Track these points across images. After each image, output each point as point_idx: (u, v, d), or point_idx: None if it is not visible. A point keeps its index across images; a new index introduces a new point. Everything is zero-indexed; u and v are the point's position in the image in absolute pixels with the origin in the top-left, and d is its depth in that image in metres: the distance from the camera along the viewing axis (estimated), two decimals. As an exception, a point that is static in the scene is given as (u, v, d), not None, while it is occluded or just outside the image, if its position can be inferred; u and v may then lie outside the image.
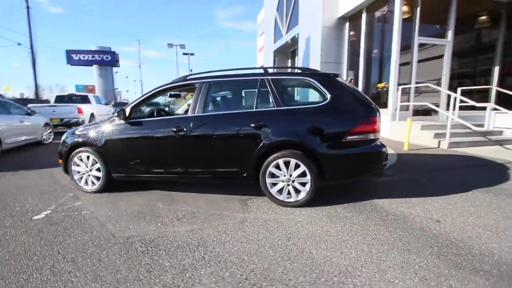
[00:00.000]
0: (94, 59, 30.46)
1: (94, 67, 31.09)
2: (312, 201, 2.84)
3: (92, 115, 11.68)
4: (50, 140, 8.17)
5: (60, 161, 3.59)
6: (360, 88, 8.58)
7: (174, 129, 3.01)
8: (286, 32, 12.10)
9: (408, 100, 7.38)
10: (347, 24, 9.09)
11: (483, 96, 7.94)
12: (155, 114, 3.57)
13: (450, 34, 7.21)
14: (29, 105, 9.80)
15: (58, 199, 3.27)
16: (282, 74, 3.16)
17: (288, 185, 2.84)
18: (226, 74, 3.17)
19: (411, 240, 2.15)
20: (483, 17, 7.81)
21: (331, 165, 2.77)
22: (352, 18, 8.88)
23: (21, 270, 1.85)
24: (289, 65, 13.71)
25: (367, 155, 2.79)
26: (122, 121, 3.24)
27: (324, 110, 2.79)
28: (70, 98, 12.35)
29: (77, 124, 10.70)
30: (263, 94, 3.00)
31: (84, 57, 30.10)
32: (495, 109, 6.65)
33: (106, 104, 14.75)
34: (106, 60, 31.00)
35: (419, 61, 7.25)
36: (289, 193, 2.86)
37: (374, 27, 8.33)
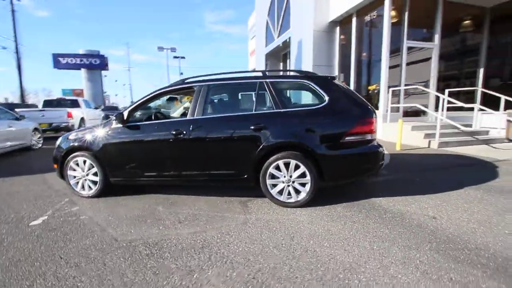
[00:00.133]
0: (82, 62, 29.85)
1: (83, 71, 30.46)
2: (311, 202, 2.89)
3: (82, 119, 11.44)
4: (40, 146, 7.99)
5: (55, 166, 3.52)
6: (351, 90, 8.75)
7: (174, 132, 3.01)
8: (278, 36, 12.24)
9: (398, 102, 7.59)
10: (337, 28, 9.29)
11: (469, 97, 8.24)
12: (153, 118, 3.55)
13: (437, 37, 7.47)
14: (16, 110, 9.55)
15: (54, 204, 3.21)
16: (280, 77, 3.22)
17: (288, 186, 2.88)
18: (225, 77, 3.20)
19: (410, 237, 2.22)
20: (468, 22, 8.14)
21: (330, 166, 2.83)
22: (343, 22, 9.08)
23: (23, 277, 1.82)
24: (281, 68, 13.86)
25: (364, 155, 2.86)
26: (120, 125, 3.21)
27: (323, 112, 2.86)
28: (59, 102, 12.09)
29: (67, 129, 10.48)
30: (262, 96, 3.04)
31: (72, 60, 29.46)
32: (481, 109, 6.91)
33: (96, 108, 14.47)
34: (95, 64, 30.44)
35: (407, 64, 7.49)
36: (289, 193, 2.90)
37: (364, 31, 8.54)
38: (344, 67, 9.17)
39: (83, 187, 3.40)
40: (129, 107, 3.28)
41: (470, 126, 6.85)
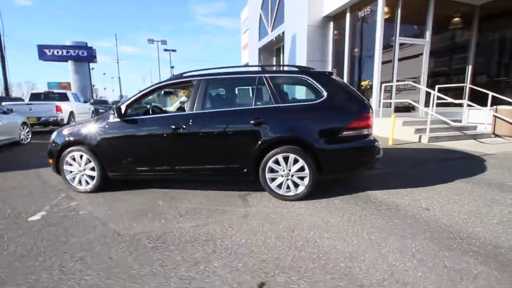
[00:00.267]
0: (69, 54, 28.94)
1: (70, 63, 29.56)
2: (309, 195, 2.96)
3: (71, 113, 11.17)
4: (28, 140, 7.79)
5: (50, 160, 3.47)
6: (344, 85, 8.85)
7: (173, 126, 3.01)
8: (272, 30, 12.20)
9: (390, 98, 7.74)
10: (331, 23, 9.34)
11: (457, 93, 8.48)
12: (150, 112, 3.53)
13: (428, 34, 7.62)
14: (3, 104, 9.24)
15: (50, 200, 3.17)
16: (279, 72, 3.25)
17: (287, 179, 2.94)
18: (224, 72, 3.20)
19: (406, 227, 2.32)
20: (458, 19, 8.32)
21: (328, 160, 2.90)
22: (336, 17, 9.13)
23: (28, 271, 1.82)
24: (274, 62, 13.84)
25: (361, 149, 2.94)
26: (118, 119, 3.18)
27: (321, 107, 2.91)
28: (47, 95, 11.76)
29: (56, 123, 10.23)
30: (261, 91, 3.07)
31: (58, 52, 28.51)
32: (469, 105, 7.13)
33: (85, 102, 14.15)
34: (82, 56, 29.57)
35: (399, 60, 7.62)
36: (288, 187, 2.96)
37: (357, 27, 8.62)
38: (338, 63, 9.25)
39: (79, 182, 3.37)
40: (127, 101, 3.25)
41: (459, 121, 7.07)
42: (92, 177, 3.31)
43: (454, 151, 5.25)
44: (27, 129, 7.84)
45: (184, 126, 2.99)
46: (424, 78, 7.81)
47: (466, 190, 3.17)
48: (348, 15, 8.54)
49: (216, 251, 2.02)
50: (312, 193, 2.97)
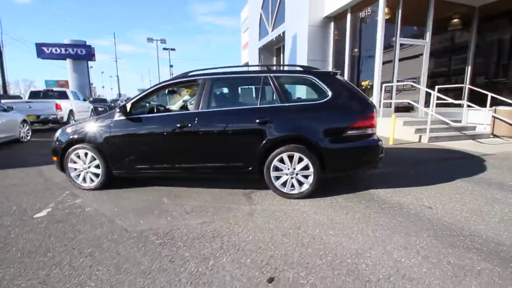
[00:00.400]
0: (67, 52, 28.86)
1: (68, 61, 29.47)
2: (313, 193, 2.99)
3: (71, 111, 11.13)
4: (28, 138, 7.77)
5: (55, 158, 3.47)
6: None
7: (179, 125, 3.03)
8: (272, 30, 12.22)
9: (390, 98, 7.79)
10: (332, 24, 9.37)
11: (456, 94, 8.55)
12: (155, 110, 3.55)
13: (428, 35, 7.68)
14: (2, 101, 9.20)
15: (55, 197, 3.18)
16: (284, 71, 3.27)
17: (292, 178, 2.97)
18: (229, 71, 3.23)
19: (409, 225, 2.36)
20: (457, 20, 8.37)
21: (332, 159, 2.93)
22: (337, 18, 9.16)
23: (38, 267, 1.84)
24: (274, 62, 13.87)
25: (365, 148, 2.98)
26: (123, 117, 3.20)
27: (326, 107, 2.94)
28: (46, 93, 11.70)
29: (55, 121, 10.20)
30: (266, 90, 3.10)
31: (56, 50, 28.42)
32: (469, 106, 7.20)
33: (85, 100, 14.10)
34: (81, 54, 29.49)
35: (399, 60, 7.67)
36: (292, 185, 2.99)
37: (358, 27, 8.66)
38: (338, 63, 9.29)
39: (84, 179, 3.38)
40: (132, 99, 3.26)
41: (459, 122, 7.14)
42: (96, 175, 3.33)
43: (454, 151, 5.31)
44: (27, 127, 7.83)
45: (190, 125, 3.01)
46: (424, 78, 7.87)
47: (467, 189, 3.22)
48: (349, 16, 8.58)
49: (223, 248, 2.04)
50: (316, 192, 3.01)
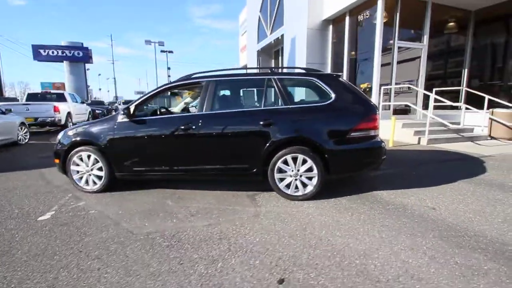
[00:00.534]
0: (64, 55, 28.72)
1: (65, 64, 29.32)
2: (317, 195, 3.00)
3: (68, 114, 11.08)
4: (26, 141, 7.71)
5: (56, 161, 3.46)
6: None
7: (183, 127, 3.03)
8: (271, 33, 12.29)
9: (389, 100, 7.86)
10: (330, 27, 9.46)
11: (453, 96, 8.65)
12: (158, 113, 3.55)
13: (425, 38, 7.78)
14: (0, 104, 9.12)
15: (58, 200, 3.16)
16: (288, 74, 3.30)
17: (296, 179, 2.98)
18: (233, 73, 3.24)
19: (414, 226, 2.38)
20: (454, 24, 8.50)
21: (336, 160, 2.95)
22: (336, 21, 9.25)
23: (45, 270, 1.82)
24: (273, 65, 13.93)
25: (368, 150, 3.00)
26: (126, 119, 3.20)
27: (329, 109, 2.97)
28: (44, 96, 11.64)
29: (53, 123, 10.14)
30: (270, 93, 3.12)
31: (53, 52, 28.27)
32: (467, 108, 7.29)
33: (82, 102, 14.02)
34: (78, 56, 29.37)
35: (397, 63, 7.75)
36: (296, 187, 3.00)
37: (356, 30, 8.75)
38: (337, 65, 9.36)
39: (87, 182, 3.36)
40: (136, 101, 3.26)
41: (457, 124, 7.21)
42: (99, 177, 3.31)
43: (454, 153, 5.37)
44: (25, 129, 7.77)
45: (194, 127, 3.02)
46: (422, 81, 7.95)
47: (469, 190, 3.25)
48: (347, 19, 8.67)
49: (231, 249, 2.04)
50: (319, 193, 3.02)
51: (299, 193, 2.99)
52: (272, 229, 2.37)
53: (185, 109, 4.72)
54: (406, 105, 8.21)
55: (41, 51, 27.98)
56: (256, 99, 3.37)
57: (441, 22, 8.39)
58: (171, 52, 31.48)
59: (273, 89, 3.10)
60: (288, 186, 3.01)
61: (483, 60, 8.93)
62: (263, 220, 2.55)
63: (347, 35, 8.79)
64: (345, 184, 3.48)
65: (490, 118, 6.81)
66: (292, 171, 2.97)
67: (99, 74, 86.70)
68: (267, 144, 2.94)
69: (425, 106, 7.70)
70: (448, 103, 6.69)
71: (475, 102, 7.50)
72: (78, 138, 3.33)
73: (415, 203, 2.88)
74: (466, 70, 8.65)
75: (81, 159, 3.31)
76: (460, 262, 1.84)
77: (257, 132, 2.99)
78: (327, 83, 3.03)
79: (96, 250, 2.05)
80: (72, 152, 3.31)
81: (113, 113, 18.66)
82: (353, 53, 8.95)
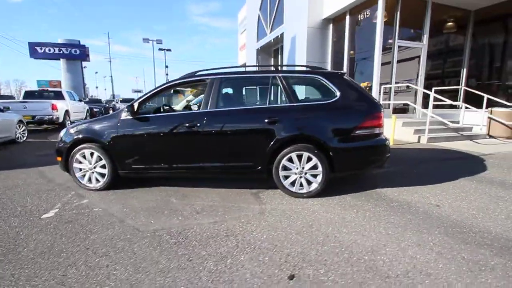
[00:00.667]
0: (61, 52, 28.45)
1: (62, 61, 29.06)
2: (321, 192, 3.01)
3: (66, 112, 10.99)
4: (24, 139, 7.64)
5: (59, 158, 3.43)
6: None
7: (187, 124, 3.02)
8: (270, 31, 12.27)
9: (389, 99, 7.90)
10: (331, 26, 9.46)
11: (452, 95, 8.71)
12: (161, 110, 3.53)
13: (425, 37, 7.82)
14: (-3, 101, 9.03)
15: (60, 197, 3.14)
16: (293, 71, 3.30)
17: (301, 177, 2.99)
18: (238, 71, 3.24)
19: (420, 222, 2.40)
20: (454, 24, 8.54)
21: (341, 158, 2.95)
22: (336, 20, 9.26)
23: (53, 267, 1.81)
24: (272, 63, 13.92)
25: (373, 148, 3.01)
26: (130, 117, 3.18)
27: (334, 106, 2.97)
28: (42, 94, 11.53)
29: (51, 121, 10.05)
30: (275, 90, 3.12)
31: (50, 50, 28.00)
32: (466, 107, 7.35)
33: (80, 100, 13.91)
34: (75, 54, 29.12)
35: (397, 62, 7.79)
36: (301, 185, 3.00)
37: (357, 29, 8.77)
38: (337, 64, 9.38)
39: (89, 180, 3.34)
40: (139, 98, 3.24)
41: (456, 122, 7.27)
42: (102, 175, 3.29)
43: (454, 151, 5.41)
44: (23, 127, 7.70)
45: (198, 124, 3.01)
46: (421, 80, 8.00)
47: (471, 187, 3.28)
48: (347, 18, 8.68)
49: (239, 246, 2.04)
50: (323, 191, 3.02)
51: (304, 191, 3.00)
52: (278, 226, 2.37)
53: (187, 107, 4.71)
54: (404, 104, 8.26)
55: (38, 48, 27.71)
56: (260, 96, 3.36)
57: (440, 22, 8.44)
58: (169, 50, 31.31)
59: (278, 87, 3.09)
60: (292, 183, 3.01)
61: (482, 59, 9.00)
62: (268, 217, 2.55)
63: (347, 34, 8.81)
64: (348, 182, 3.49)
65: (489, 117, 6.87)
66: (297, 168, 2.98)
67: (96, 72, 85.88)
68: (272, 142, 2.94)
69: (424, 105, 7.76)
70: (449, 102, 6.74)
71: (473, 101, 7.56)
72: (80, 136, 3.30)
73: (419, 200, 2.90)
74: (465, 69, 8.71)
75: (84, 157, 3.29)
76: (467, 258, 1.86)
77: (262, 130, 2.98)
78: (332, 81, 3.04)
79: (103, 248, 2.04)
80: (75, 150, 3.29)
81: (111, 111, 18.60)
82: (351, 52, 8.98)
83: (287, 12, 10.51)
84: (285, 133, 2.93)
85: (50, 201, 3.03)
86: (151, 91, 3.29)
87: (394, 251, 1.96)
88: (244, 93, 3.62)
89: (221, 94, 3.16)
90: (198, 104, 4.84)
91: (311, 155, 2.92)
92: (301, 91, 3.38)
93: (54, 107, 10.03)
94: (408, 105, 8.21)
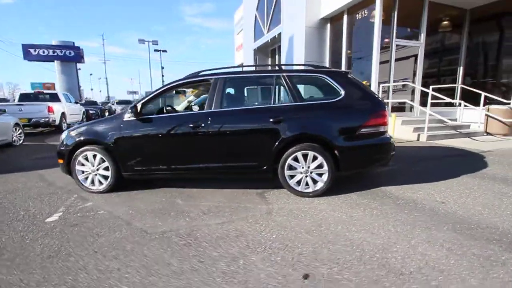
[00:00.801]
0: (55, 54, 28.09)
1: (56, 63, 28.69)
2: (326, 191, 3.01)
3: (63, 114, 10.87)
4: (21, 142, 7.53)
5: (60, 161, 3.38)
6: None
7: (192, 125, 3.01)
8: (268, 31, 12.27)
9: (387, 98, 7.95)
10: (328, 25, 9.50)
11: (449, 94, 8.79)
12: (164, 111, 3.51)
13: (422, 36, 7.89)
14: (-8, 104, 8.89)
15: (63, 201, 3.09)
16: (297, 71, 3.30)
17: (306, 176, 2.99)
18: (241, 71, 3.23)
19: (427, 219, 2.41)
20: (450, 22, 8.63)
21: (346, 157, 2.96)
22: (334, 19, 9.30)
23: (62, 271, 1.78)
24: (270, 63, 13.93)
25: (378, 146, 3.03)
26: (133, 118, 3.15)
27: (339, 105, 2.98)
28: (37, 96, 11.39)
29: (47, 124, 9.93)
30: (279, 90, 3.11)
31: (44, 52, 27.62)
32: (464, 105, 7.43)
33: (76, 102, 13.77)
34: (69, 56, 28.77)
35: (395, 60, 7.84)
36: (307, 184, 3.00)
37: (354, 28, 8.81)
38: (335, 64, 9.41)
39: (92, 182, 3.30)
40: (143, 99, 3.22)
41: (454, 120, 7.34)
42: (105, 177, 3.25)
43: (453, 149, 5.46)
44: (19, 130, 7.59)
45: (203, 125, 2.99)
46: (419, 78, 8.06)
47: (474, 184, 3.31)
48: (345, 17, 8.72)
49: (250, 246, 2.03)
50: (328, 190, 3.02)
51: (310, 190, 3.00)
52: (287, 225, 2.37)
53: (188, 108, 4.68)
54: (400, 103, 8.33)
55: (32, 50, 27.34)
56: (265, 96, 3.36)
57: (437, 21, 8.52)
58: (164, 51, 31.14)
59: (282, 86, 3.09)
60: (298, 183, 3.01)
61: (478, 57, 9.10)
62: (276, 217, 2.55)
63: (345, 34, 8.85)
64: (352, 181, 3.50)
65: (486, 115, 6.95)
66: (303, 168, 2.97)
67: (91, 74, 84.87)
68: (278, 141, 2.94)
69: (422, 104, 7.82)
70: (448, 100, 6.81)
71: (469, 99, 7.65)
72: (82, 138, 3.26)
73: (424, 198, 2.92)
74: (461, 67, 8.80)
75: (87, 159, 3.25)
76: (477, 254, 1.87)
77: (267, 130, 2.98)
78: (337, 80, 3.04)
79: (112, 251, 2.01)
80: (77, 152, 3.24)
81: (107, 113, 18.36)
82: (349, 51, 9.02)
83: (284, 12, 10.53)
84: (290, 133, 2.93)
85: (53, 205, 2.98)
86: (154, 91, 3.26)
87: (405, 248, 1.96)
88: (248, 92, 3.61)
89: (226, 94, 3.15)
90: (199, 105, 4.81)
91: (316, 154, 2.92)
92: (305, 90, 3.38)
93: (50, 110, 9.91)
94: (405, 103, 8.27)
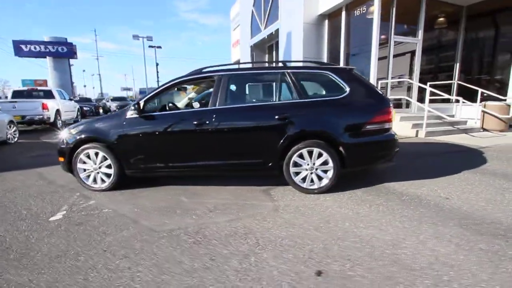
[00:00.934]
0: (47, 50, 27.47)
1: (48, 60, 28.09)
2: (331, 188, 3.02)
3: (57, 111, 10.70)
4: (15, 140, 7.40)
5: (61, 159, 3.33)
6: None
7: (196, 122, 2.98)
8: (265, 27, 12.20)
9: (386, 94, 7.98)
10: (326, 21, 9.47)
11: (445, 90, 8.87)
12: (167, 108, 3.47)
13: (420, 33, 7.92)
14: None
15: (66, 199, 3.05)
16: (302, 67, 3.28)
17: (312, 173, 2.99)
18: (246, 67, 3.20)
19: (433, 215, 2.44)
20: (447, 19, 8.68)
21: (351, 153, 2.97)
22: (332, 15, 9.27)
23: (72, 271, 1.76)
24: (267, 59, 13.87)
25: (383, 143, 3.04)
26: (136, 115, 3.11)
27: (344, 102, 2.98)
28: (31, 93, 11.17)
29: (42, 121, 9.76)
30: (284, 86, 3.09)
31: (35, 48, 27.00)
32: (462, 102, 7.51)
33: (71, 99, 13.55)
34: (62, 52, 28.17)
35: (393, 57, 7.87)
36: (312, 180, 3.01)
37: (353, 25, 8.80)
38: (333, 60, 9.41)
39: (94, 180, 3.26)
40: (145, 96, 3.17)
41: (452, 117, 7.42)
42: (108, 175, 3.21)
43: (452, 145, 5.53)
44: (14, 128, 7.46)
45: (207, 122, 2.97)
46: (416, 75, 8.11)
47: (475, 180, 3.36)
48: (343, 14, 8.70)
49: (260, 244, 2.03)
50: (334, 186, 3.04)
51: (315, 186, 3.00)
52: (295, 222, 2.37)
53: (189, 105, 4.64)
54: (396, 99, 8.37)
55: (23, 46, 26.71)
56: (270, 93, 3.34)
57: (434, 17, 8.56)
58: (159, 47, 30.75)
59: (287, 82, 3.07)
60: (303, 179, 3.01)
61: (475, 54, 9.18)
62: (283, 214, 2.55)
63: (343, 30, 8.84)
64: (356, 177, 3.51)
65: (482, 111, 7.04)
66: (308, 164, 2.98)
67: (84, 70, 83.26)
68: (283, 138, 2.93)
69: (419, 100, 7.88)
70: (446, 96, 6.88)
71: (466, 95, 7.73)
72: (84, 136, 3.21)
73: (428, 194, 2.95)
74: (458, 64, 8.88)
75: (89, 157, 3.20)
76: (485, 249, 1.90)
77: (272, 126, 2.97)
78: (342, 77, 3.04)
79: (121, 249, 1.99)
80: (78, 150, 3.19)
81: (101, 110, 18.15)
82: (352, 47, 9.00)
83: (282, 8, 10.46)
84: (295, 130, 2.93)
85: (55, 203, 2.94)
86: (157, 88, 3.22)
87: (414, 244, 1.98)
88: (253, 89, 3.59)
89: (230, 90, 3.12)
90: (199, 101, 4.77)
91: (321, 151, 2.93)
92: (309, 87, 3.37)
93: (44, 107, 9.75)
94: (401, 100, 8.32)
